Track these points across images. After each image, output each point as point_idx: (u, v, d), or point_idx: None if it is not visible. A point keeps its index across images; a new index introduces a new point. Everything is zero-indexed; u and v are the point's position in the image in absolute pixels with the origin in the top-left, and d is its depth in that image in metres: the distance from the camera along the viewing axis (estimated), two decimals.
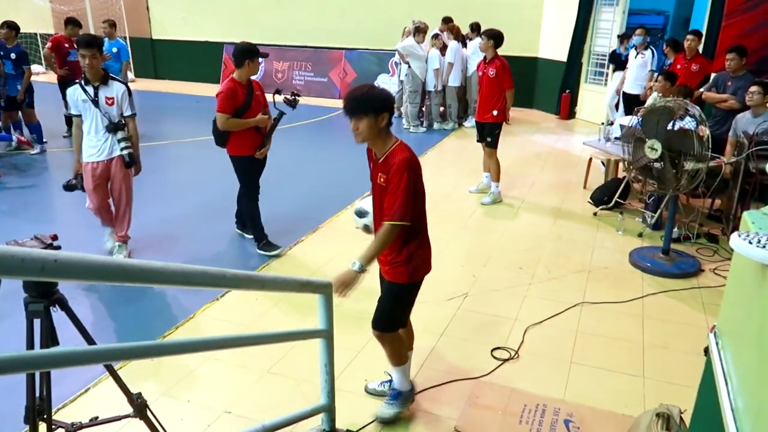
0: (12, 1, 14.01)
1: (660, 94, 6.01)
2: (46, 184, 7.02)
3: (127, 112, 4.44)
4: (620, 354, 3.58)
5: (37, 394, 2.01)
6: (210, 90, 12.78)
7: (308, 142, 8.99)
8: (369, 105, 2.52)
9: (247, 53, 4.51)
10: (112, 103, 4.36)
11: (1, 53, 7.53)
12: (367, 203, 2.94)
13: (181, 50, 13.82)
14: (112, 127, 4.36)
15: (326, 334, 2.41)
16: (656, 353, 3.58)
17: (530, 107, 11.29)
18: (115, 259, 1.50)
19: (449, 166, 7.89)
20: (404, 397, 3.00)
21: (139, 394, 2.16)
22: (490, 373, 3.37)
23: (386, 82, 11.73)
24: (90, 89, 4.31)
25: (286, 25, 12.74)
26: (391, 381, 3.08)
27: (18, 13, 11.71)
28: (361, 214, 2.97)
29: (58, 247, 1.88)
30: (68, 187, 4.55)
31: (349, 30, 12.07)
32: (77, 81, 4.36)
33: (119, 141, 4.41)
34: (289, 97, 4.88)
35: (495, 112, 6.04)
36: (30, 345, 1.86)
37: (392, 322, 2.87)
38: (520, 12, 10.95)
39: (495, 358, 3.51)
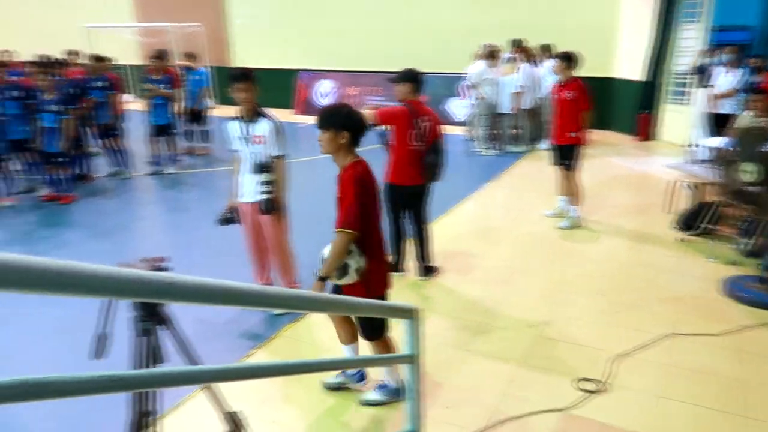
0: (106, 33, 15.05)
1: (752, 114, 5.70)
2: (134, 207, 7.43)
3: (275, 152, 4.02)
4: (717, 391, 3.36)
5: (140, 410, 2.11)
6: (285, 116, 13.29)
7: (377, 167, 9.10)
8: (332, 121, 2.84)
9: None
10: (260, 142, 3.99)
11: (99, 84, 8.14)
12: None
13: (258, 77, 14.37)
14: (257, 168, 4.00)
15: (413, 359, 2.40)
16: (759, 391, 3.34)
17: (606, 128, 10.99)
18: (225, 283, 1.56)
19: (523, 189, 7.76)
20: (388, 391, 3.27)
21: (236, 412, 2.21)
22: (575, 405, 3.24)
23: (457, 106, 11.76)
24: (243, 125, 4.02)
25: (358, 51, 13.07)
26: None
27: (111, 45, 12.60)
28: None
29: (165, 269, 1.97)
30: (222, 221, 4.22)
31: (418, 54, 12.20)
32: (237, 117, 4.06)
33: (261, 184, 4.02)
34: None
35: (573, 134, 5.92)
36: (138, 362, 1.96)
37: (375, 329, 3.11)
38: (593, 32, 10.75)
39: (580, 389, 3.38)
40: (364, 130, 2.93)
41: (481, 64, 9.27)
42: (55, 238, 6.11)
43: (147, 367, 1.95)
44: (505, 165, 8.78)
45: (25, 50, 11.73)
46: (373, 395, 3.27)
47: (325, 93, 13.51)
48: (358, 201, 2.78)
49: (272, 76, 14.20)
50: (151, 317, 1.93)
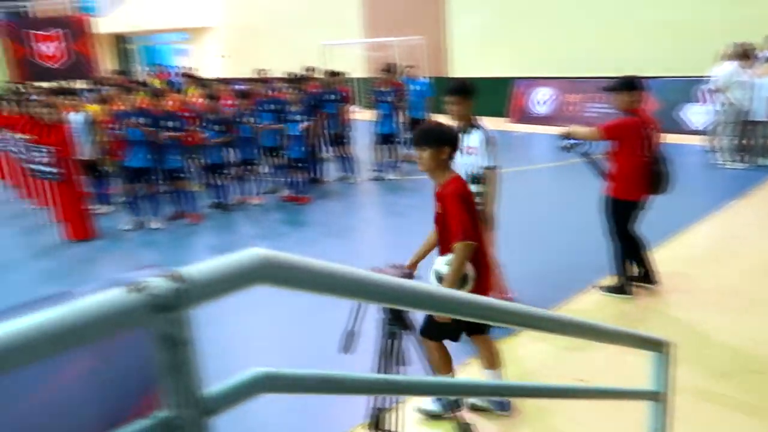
0: (338, 49, 16.55)
1: None
2: (358, 210, 8.03)
3: (486, 163, 3.96)
4: None
5: (381, 405, 2.24)
6: (499, 124, 13.22)
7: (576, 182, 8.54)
8: (432, 138, 2.90)
9: None
10: (473, 153, 3.99)
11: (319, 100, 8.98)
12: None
13: (476, 87, 14.52)
14: (470, 179, 3.89)
15: (657, 397, 2.18)
16: None
17: None
18: (464, 295, 1.56)
19: None
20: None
21: (470, 425, 2.24)
22: None
23: (694, 113, 10.56)
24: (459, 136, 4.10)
25: (578, 55, 12.45)
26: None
27: (342, 60, 13.84)
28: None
29: (413, 276, 2.07)
30: None
31: (647, 56, 11.21)
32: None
33: None
34: None
35: None
36: (382, 363, 2.08)
37: (432, 331, 2.90)
38: None
39: None
40: (458, 147, 3.04)
41: (731, 65, 8.15)
42: (296, 235, 6.89)
43: (391, 368, 2.06)
44: (755, 180, 7.59)
45: (276, 67, 13.46)
46: (431, 405, 3.10)
47: (542, 101, 13.15)
48: (466, 212, 2.87)
49: (487, 84, 14.24)
50: (397, 321, 2.04)
